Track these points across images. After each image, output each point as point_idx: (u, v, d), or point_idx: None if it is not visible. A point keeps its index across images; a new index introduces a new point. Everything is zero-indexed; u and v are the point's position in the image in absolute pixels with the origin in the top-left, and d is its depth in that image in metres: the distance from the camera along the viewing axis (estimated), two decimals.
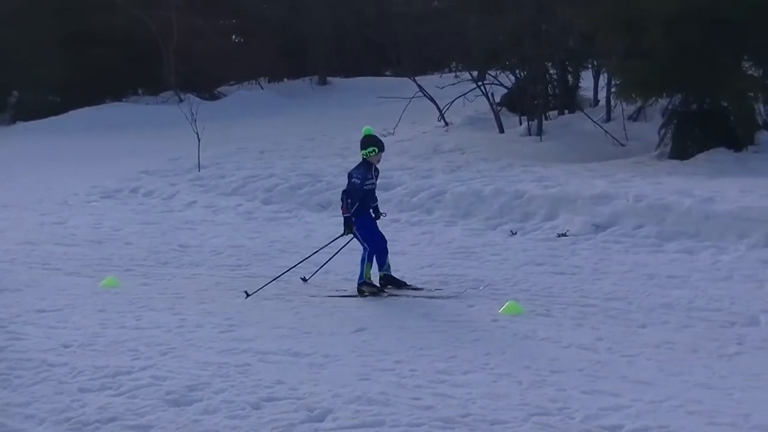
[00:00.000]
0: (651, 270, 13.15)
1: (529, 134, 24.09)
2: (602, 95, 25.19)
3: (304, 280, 13.07)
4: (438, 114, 26.70)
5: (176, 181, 21.92)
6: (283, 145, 25.31)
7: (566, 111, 25.68)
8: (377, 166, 12.82)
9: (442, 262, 14.09)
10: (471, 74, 26.97)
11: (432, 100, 27.05)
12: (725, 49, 18.87)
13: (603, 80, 25.09)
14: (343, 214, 12.44)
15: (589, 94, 26.41)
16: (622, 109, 22.88)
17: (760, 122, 19.98)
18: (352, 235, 12.49)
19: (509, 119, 25.55)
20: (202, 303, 12.18)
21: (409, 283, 12.61)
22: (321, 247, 13.40)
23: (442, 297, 12.10)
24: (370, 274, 12.41)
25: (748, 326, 10.47)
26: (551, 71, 26.43)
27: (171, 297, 12.54)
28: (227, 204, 19.79)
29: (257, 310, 11.77)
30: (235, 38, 44.66)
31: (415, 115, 26.47)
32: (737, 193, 15.27)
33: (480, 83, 26.08)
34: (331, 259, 13.20)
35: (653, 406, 8.10)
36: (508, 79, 26.59)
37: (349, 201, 12.32)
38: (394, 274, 12.63)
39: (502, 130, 24.89)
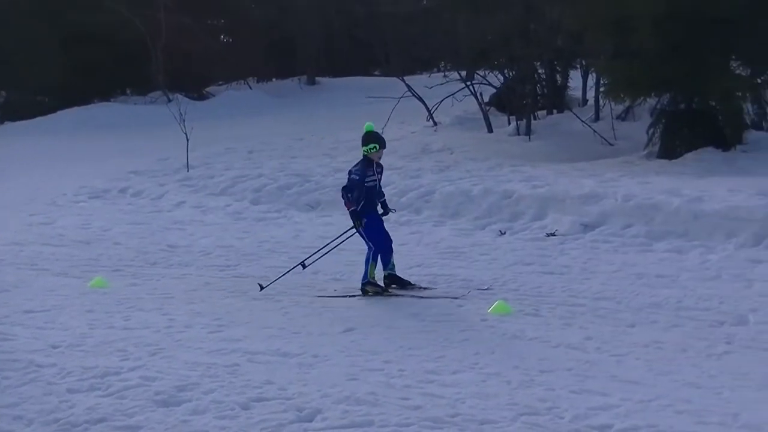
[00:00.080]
0: (640, 269, 13.17)
1: (518, 134, 24.10)
2: (591, 95, 25.22)
3: (304, 266, 12.98)
4: (427, 114, 26.70)
5: (165, 181, 21.88)
6: (272, 145, 25.29)
7: (555, 111, 25.69)
8: (380, 162, 12.64)
9: (431, 262, 14.08)
10: (460, 74, 26.97)
11: (421, 99, 27.04)
12: (713, 48, 18.90)
13: (591, 80, 25.12)
14: (348, 209, 12.36)
15: (578, 93, 26.44)
16: (611, 109, 22.90)
17: (748, 122, 20.01)
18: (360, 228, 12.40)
19: (498, 119, 25.56)
20: (191, 303, 12.16)
21: (413, 283, 12.59)
22: (333, 239, 13.29)
23: (446, 297, 12.05)
24: (374, 274, 12.40)
25: (737, 325, 10.49)
26: (540, 71, 26.44)
27: (160, 297, 12.53)
28: (216, 204, 19.76)
29: (246, 311, 11.76)
30: (224, 38, 44.61)
31: (404, 114, 26.45)
32: (725, 193, 15.30)
33: (469, 83, 26.09)
34: (333, 248, 13.13)
35: (642, 405, 8.11)
36: (496, 78, 26.60)
37: (350, 195, 12.29)
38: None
39: (490, 130, 24.90)
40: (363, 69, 41.15)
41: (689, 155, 19.03)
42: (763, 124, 20.29)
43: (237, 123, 31.28)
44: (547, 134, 23.59)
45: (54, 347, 10.24)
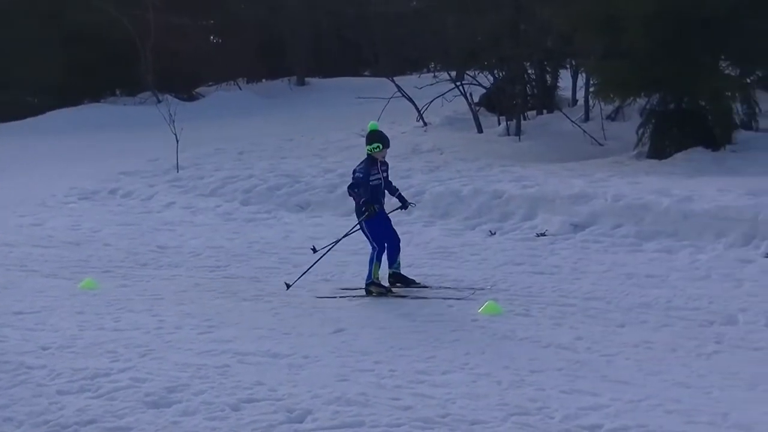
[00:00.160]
0: (630, 269, 13.19)
1: (508, 134, 24.11)
2: (581, 95, 25.25)
3: (314, 250, 12.91)
4: (417, 114, 26.71)
5: (155, 182, 21.85)
6: (262, 145, 25.28)
7: (545, 111, 25.72)
8: (385, 160, 12.62)
9: (421, 262, 14.08)
10: (449, 74, 26.99)
11: (411, 100, 27.05)
12: (703, 48, 18.94)
13: (581, 80, 25.15)
14: (359, 202, 12.31)
15: (568, 93, 26.47)
16: (601, 109, 22.93)
17: (737, 121, 20.05)
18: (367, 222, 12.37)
19: (488, 119, 25.58)
20: (181, 304, 12.15)
21: (417, 281, 12.58)
22: (350, 230, 13.25)
23: (451, 298, 12.03)
24: (378, 274, 12.39)
25: (726, 325, 10.52)
26: (530, 71, 26.47)
27: (150, 298, 12.51)
28: (206, 205, 19.74)
29: (236, 312, 11.75)
30: (213, 39, 44.58)
31: (394, 115, 26.44)
32: (715, 193, 15.32)
33: (458, 83, 26.10)
34: (342, 238, 13.15)
35: (632, 405, 8.12)
36: (486, 79, 26.61)
37: (356, 191, 12.27)
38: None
39: (480, 130, 24.91)
40: (353, 69, 41.14)
41: (679, 155, 19.07)
42: (753, 123, 20.34)
43: (227, 124, 31.26)
44: (537, 134, 23.61)
45: (44, 349, 10.22)
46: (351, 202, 18.45)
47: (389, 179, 12.76)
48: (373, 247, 12.42)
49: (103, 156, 25.50)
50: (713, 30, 18.59)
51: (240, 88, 41.20)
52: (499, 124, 24.99)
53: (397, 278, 12.59)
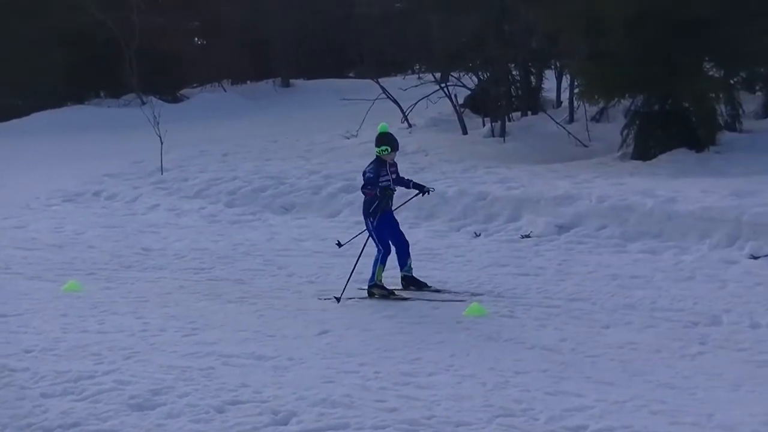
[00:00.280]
0: (614, 270, 13.21)
1: (493, 135, 24.13)
2: (565, 96, 25.28)
3: (339, 245, 12.78)
4: (401, 116, 26.71)
5: (139, 184, 21.81)
6: (247, 147, 25.25)
7: (529, 112, 25.76)
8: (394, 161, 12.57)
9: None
10: (434, 76, 27.00)
11: (395, 101, 27.06)
12: (686, 50, 18.98)
13: (566, 81, 25.18)
14: (374, 194, 12.20)
15: (552, 95, 26.52)
16: (585, 110, 22.98)
17: (721, 123, 20.10)
18: (373, 219, 12.32)
19: (472, 121, 25.59)
20: (165, 306, 12.11)
21: (429, 285, 12.56)
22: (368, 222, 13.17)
23: (459, 301, 12.00)
24: (381, 277, 12.36)
25: (711, 326, 10.54)
26: (514, 72, 26.50)
27: (134, 301, 12.47)
28: (190, 207, 19.71)
29: (221, 314, 11.72)
30: (198, 40, 44.54)
31: (379, 116, 26.26)
32: (699, 194, 15.36)
33: (443, 85, 26.12)
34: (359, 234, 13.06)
35: (617, 406, 8.13)
36: (471, 80, 26.64)
37: (369, 187, 12.20)
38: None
39: (465, 132, 24.93)
40: (337, 71, 41.14)
41: (663, 156, 19.11)
42: (736, 125, 20.41)
43: (211, 125, 31.24)
44: (521, 136, 23.64)
45: (27, 351, 10.16)
46: (335, 203, 18.63)
47: (399, 174, 12.66)
48: (378, 250, 12.39)
49: (87, 158, 25.43)
50: (697, 31, 18.64)
51: (225, 90, 41.20)
52: (484, 125, 25.00)
53: (409, 281, 12.57)
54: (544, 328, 10.68)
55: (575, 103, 23.86)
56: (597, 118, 23.37)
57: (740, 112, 20.48)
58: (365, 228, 12.63)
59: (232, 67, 41.62)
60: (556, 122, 23.43)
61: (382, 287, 12.35)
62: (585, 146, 22.05)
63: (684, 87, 19.20)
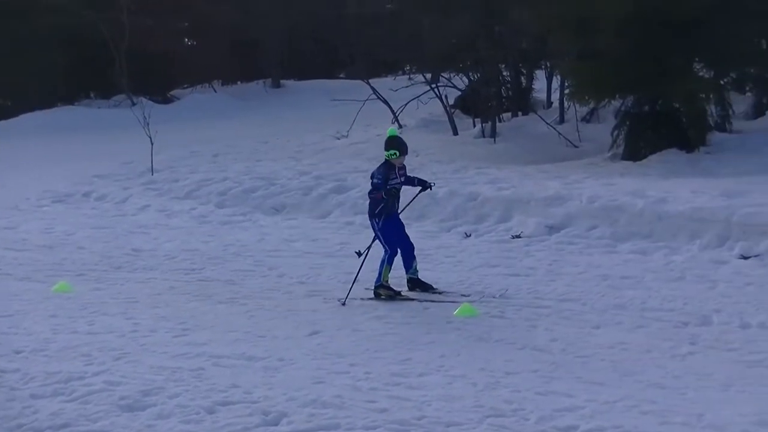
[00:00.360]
0: (604, 271, 13.22)
1: (483, 136, 24.13)
2: (555, 97, 25.28)
3: (359, 254, 12.77)
4: (392, 116, 26.69)
5: (129, 185, 21.78)
6: (237, 148, 25.23)
7: (520, 113, 25.76)
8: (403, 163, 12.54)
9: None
10: (425, 76, 26.99)
11: (386, 102, 27.03)
12: (677, 50, 19.00)
13: (556, 82, 25.18)
14: (383, 196, 12.16)
15: (543, 95, 26.52)
16: (575, 111, 22.99)
17: (711, 123, 20.13)
18: (377, 223, 12.31)
19: (463, 121, 25.59)
20: (155, 307, 12.10)
21: (435, 287, 12.54)
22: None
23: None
24: (388, 277, 12.35)
25: (701, 326, 10.56)
26: (504, 73, 26.50)
27: (124, 301, 12.45)
28: (181, 208, 19.68)
29: (211, 314, 11.71)
30: (188, 41, 44.47)
31: (369, 117, 26.45)
32: (689, 194, 15.38)
33: (434, 85, 26.10)
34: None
35: (607, 406, 8.13)
36: (461, 81, 26.64)
37: (376, 192, 12.18)
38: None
39: (455, 132, 24.93)
40: (328, 72, 41.12)
41: (653, 157, 19.13)
42: (726, 125, 20.43)
43: (202, 126, 31.20)
44: (512, 136, 23.64)
45: (17, 352, 10.14)
46: (326, 204, 18.62)
47: (408, 174, 12.66)
48: (386, 250, 12.38)
49: (77, 159, 25.38)
50: (687, 32, 18.66)
51: (215, 91, 41.15)
52: (475, 126, 25.00)
53: (415, 283, 12.54)
54: (534, 329, 10.69)
55: (566, 104, 23.86)
56: (587, 119, 23.39)
57: (730, 112, 20.50)
58: (372, 230, 12.60)
59: (222, 68, 41.58)
60: (547, 123, 23.44)
61: (389, 288, 12.34)
62: (575, 147, 22.06)
63: (674, 87, 19.21)
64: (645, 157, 19.28)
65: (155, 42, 36.63)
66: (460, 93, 26.71)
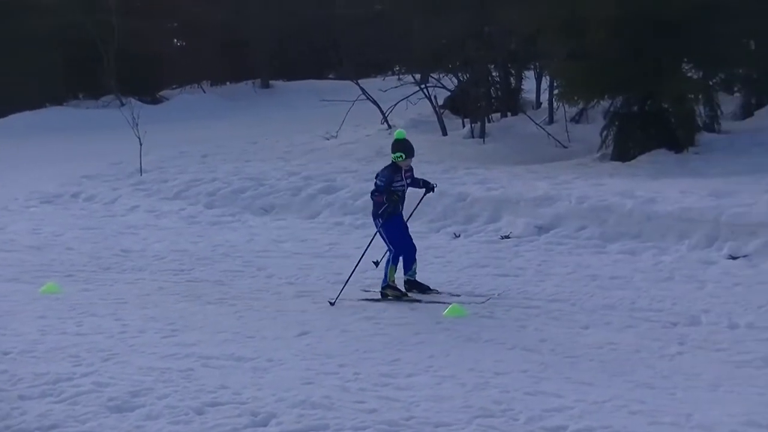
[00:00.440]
0: (594, 271, 13.23)
1: (472, 137, 24.15)
2: (545, 97, 25.30)
3: (376, 264, 12.69)
4: (381, 117, 26.70)
5: (118, 185, 21.74)
6: (226, 148, 25.20)
7: (509, 113, 25.78)
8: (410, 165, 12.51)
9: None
10: (414, 77, 27.00)
11: (375, 103, 27.04)
12: (665, 51, 19.03)
13: (545, 82, 25.20)
14: (383, 200, 12.16)
15: (532, 96, 26.55)
16: (565, 111, 23.01)
17: (700, 124, 20.17)
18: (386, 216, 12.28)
19: (452, 122, 25.61)
20: (144, 308, 12.08)
21: (432, 288, 12.53)
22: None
23: (469, 303, 11.95)
24: (394, 278, 12.33)
25: (690, 326, 10.57)
26: (494, 74, 26.51)
27: (113, 302, 12.43)
28: (170, 208, 19.66)
29: (200, 315, 11.69)
30: (177, 41, 44.43)
31: (359, 118, 26.46)
32: (678, 194, 15.40)
33: (423, 86, 26.12)
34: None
35: (596, 406, 8.14)
36: (450, 81, 26.65)
37: (377, 194, 12.17)
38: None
39: (445, 133, 24.94)
40: (317, 72, 41.11)
41: (642, 157, 19.16)
42: (715, 126, 20.49)
43: (191, 127, 31.18)
44: (501, 137, 23.66)
45: (5, 354, 10.11)
46: (315, 204, 18.60)
47: (414, 176, 12.64)
48: (390, 250, 12.36)
49: (66, 159, 25.33)
50: (676, 33, 18.70)
51: (204, 91, 41.14)
52: (464, 126, 25.03)
53: (412, 285, 12.52)
54: (524, 329, 10.69)
55: (555, 104, 23.88)
56: (576, 119, 23.42)
57: (719, 113, 20.56)
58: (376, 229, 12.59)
59: (211, 69, 41.56)
60: (536, 123, 23.46)
61: (395, 288, 12.32)
62: (564, 147, 22.08)
63: (663, 88, 19.25)
64: (634, 157, 19.32)
65: (144, 43, 36.58)
66: (449, 93, 26.72)
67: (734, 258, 13.38)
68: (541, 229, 15.59)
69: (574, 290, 12.20)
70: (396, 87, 26.77)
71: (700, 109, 20.26)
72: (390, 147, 12.54)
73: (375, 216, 12.46)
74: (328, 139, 25.36)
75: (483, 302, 11.85)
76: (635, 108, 20.24)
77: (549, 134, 22.69)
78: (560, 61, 21.58)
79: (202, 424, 8.00)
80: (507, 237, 15.57)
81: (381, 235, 12.43)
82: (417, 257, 12.58)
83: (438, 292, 12.41)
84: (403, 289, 12.39)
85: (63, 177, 22.63)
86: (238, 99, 38.22)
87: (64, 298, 12.69)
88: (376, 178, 12.42)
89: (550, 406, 8.15)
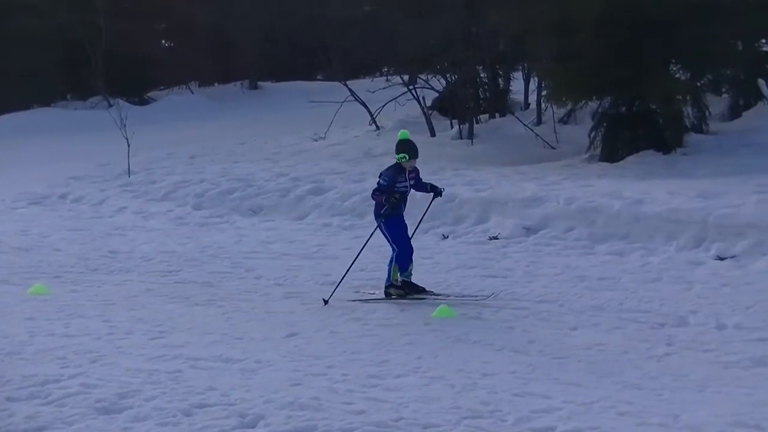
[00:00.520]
0: (582, 272, 13.25)
1: (461, 138, 24.15)
2: (533, 98, 25.33)
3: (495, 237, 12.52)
4: (369, 118, 26.69)
5: (106, 186, 21.70)
6: (214, 149, 25.17)
7: (497, 114, 25.78)
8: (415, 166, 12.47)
9: (374, 266, 14.03)
10: (402, 78, 27.00)
11: (363, 104, 27.02)
12: (654, 52, 19.06)
13: (534, 83, 25.23)
14: (380, 199, 12.17)
15: (520, 97, 26.56)
16: (553, 112, 23.02)
17: (688, 125, 20.20)
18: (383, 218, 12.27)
19: (440, 123, 25.60)
20: (132, 309, 12.06)
21: (428, 289, 12.51)
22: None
23: (465, 303, 11.97)
24: (397, 277, 12.32)
25: (677, 327, 10.60)
26: (482, 75, 26.52)
27: (101, 304, 12.40)
28: (158, 209, 19.63)
29: (188, 317, 11.68)
30: (165, 42, 44.37)
31: (347, 119, 26.45)
32: (666, 195, 15.43)
33: (411, 87, 26.12)
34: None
35: (584, 407, 8.14)
36: (439, 82, 26.65)
37: (378, 193, 12.17)
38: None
39: (433, 134, 24.94)
40: (305, 73, 41.08)
41: (630, 158, 19.19)
42: (703, 127, 20.51)
43: (179, 128, 31.13)
44: (489, 138, 23.66)
45: None
46: (303, 206, 18.60)
47: (420, 178, 12.62)
48: (393, 249, 12.36)
49: (54, 160, 25.27)
50: (664, 33, 18.73)
51: (192, 92, 41.08)
52: (452, 127, 25.03)
53: (407, 286, 12.51)
54: (512, 330, 10.70)
55: (543, 105, 23.88)
56: (565, 120, 23.43)
57: (707, 114, 20.59)
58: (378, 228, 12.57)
59: (199, 70, 41.53)
60: (524, 124, 23.47)
61: (399, 287, 12.31)
62: (553, 148, 22.10)
63: (651, 89, 19.28)
64: (622, 158, 19.34)
65: (132, 44, 36.53)
66: (437, 94, 26.72)
67: (722, 259, 13.41)
68: (530, 230, 15.61)
69: (563, 291, 12.22)
70: (384, 88, 26.78)
71: (688, 110, 20.29)
72: (389, 147, 12.51)
73: (376, 215, 12.46)
74: (316, 141, 25.34)
75: (485, 299, 11.86)
76: (623, 109, 20.27)
77: (537, 135, 22.71)
78: (548, 62, 21.59)
79: (190, 425, 7.99)
80: (495, 238, 15.58)
81: (384, 234, 12.42)
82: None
83: (436, 294, 12.38)
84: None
85: (51, 178, 22.58)
86: (227, 100, 38.19)
87: (51, 299, 12.66)
88: (379, 176, 12.41)
89: (539, 407, 8.16)
